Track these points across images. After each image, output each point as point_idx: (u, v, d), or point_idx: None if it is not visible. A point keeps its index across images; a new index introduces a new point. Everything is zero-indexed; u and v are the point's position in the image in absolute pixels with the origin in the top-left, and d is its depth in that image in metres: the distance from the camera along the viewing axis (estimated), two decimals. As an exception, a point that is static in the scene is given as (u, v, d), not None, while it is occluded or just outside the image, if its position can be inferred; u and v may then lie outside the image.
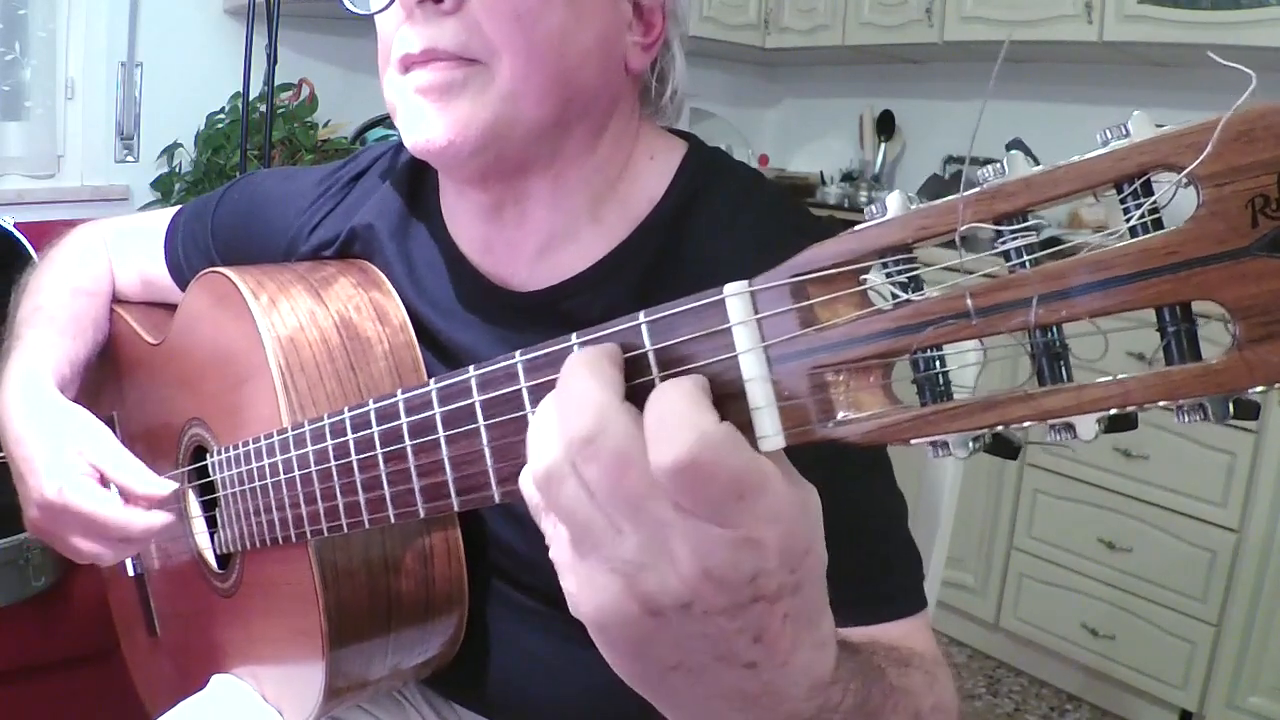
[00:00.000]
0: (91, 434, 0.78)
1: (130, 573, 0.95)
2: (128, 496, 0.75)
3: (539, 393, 0.41)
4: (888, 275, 0.32)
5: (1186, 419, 0.28)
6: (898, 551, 0.66)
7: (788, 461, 0.36)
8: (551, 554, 0.38)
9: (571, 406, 0.35)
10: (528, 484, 0.38)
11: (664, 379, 0.36)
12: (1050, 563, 2.15)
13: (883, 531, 0.66)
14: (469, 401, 0.44)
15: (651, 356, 0.37)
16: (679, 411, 0.33)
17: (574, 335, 0.39)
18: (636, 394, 0.36)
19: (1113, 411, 0.28)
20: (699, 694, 0.38)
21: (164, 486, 0.76)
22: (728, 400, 0.35)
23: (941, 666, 0.59)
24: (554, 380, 0.37)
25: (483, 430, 0.44)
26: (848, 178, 3.11)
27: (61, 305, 0.89)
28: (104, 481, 0.76)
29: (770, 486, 0.34)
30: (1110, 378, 0.28)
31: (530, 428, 0.37)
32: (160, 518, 0.75)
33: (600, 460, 0.34)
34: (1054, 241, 0.30)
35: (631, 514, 0.34)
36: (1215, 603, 1.91)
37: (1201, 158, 0.27)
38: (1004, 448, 0.31)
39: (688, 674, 0.37)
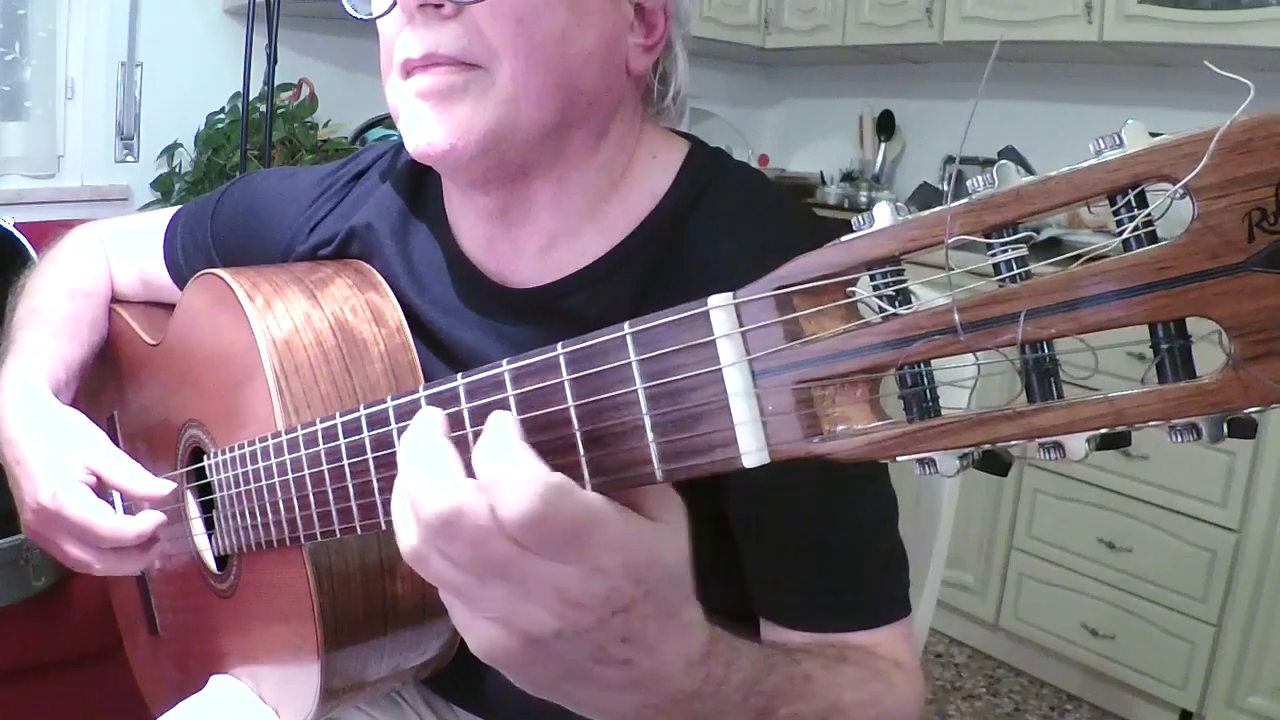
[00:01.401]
0: (87, 437, 0.77)
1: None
2: (127, 498, 0.75)
3: (526, 402, 0.41)
4: (875, 287, 0.31)
5: (1180, 439, 0.27)
6: (881, 562, 0.66)
7: (666, 488, 0.40)
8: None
9: (422, 493, 0.39)
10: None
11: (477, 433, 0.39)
12: (1050, 563, 2.15)
13: (868, 542, 0.66)
14: (456, 409, 0.44)
15: (641, 396, 0.38)
16: (509, 467, 0.37)
17: (559, 345, 0.39)
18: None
19: (1103, 430, 0.28)
20: (591, 691, 0.43)
21: (162, 486, 0.75)
22: (712, 415, 0.35)
23: (901, 671, 0.60)
24: (541, 389, 0.38)
25: (470, 438, 0.44)
26: (848, 178, 3.10)
27: (57, 307, 0.88)
28: (100, 486, 0.75)
29: (604, 521, 0.38)
30: (1102, 396, 0.28)
31: (392, 507, 0.41)
32: (153, 521, 0.73)
33: (461, 539, 0.38)
34: (1054, 242, 0.30)
35: (495, 570, 0.39)
36: (1215, 603, 1.90)
37: (1198, 169, 0.26)
38: (994, 464, 0.30)
39: (576, 678, 0.42)
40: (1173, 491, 1.94)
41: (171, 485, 0.76)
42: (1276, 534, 1.82)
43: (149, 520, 0.73)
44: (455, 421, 0.44)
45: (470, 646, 0.42)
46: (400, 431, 0.49)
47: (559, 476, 0.37)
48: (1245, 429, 0.27)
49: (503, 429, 0.38)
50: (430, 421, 0.41)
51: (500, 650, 0.41)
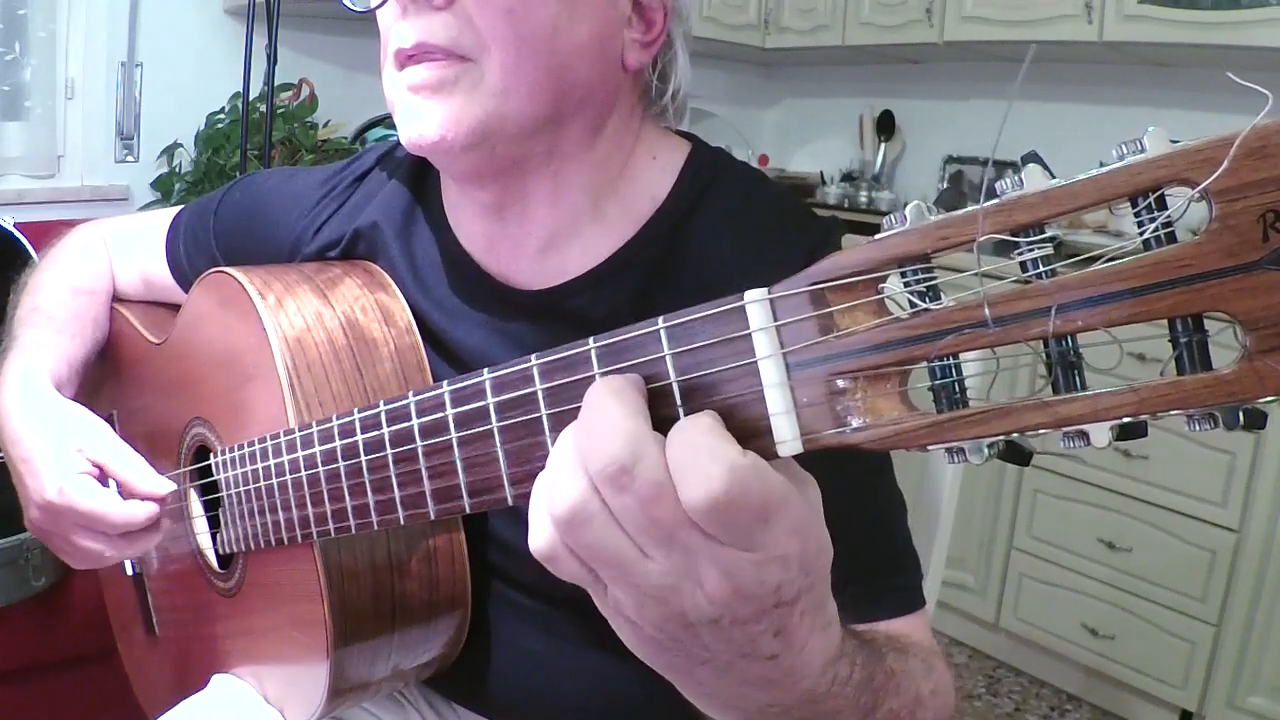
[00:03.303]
0: (91, 430, 0.77)
1: (129, 572, 0.94)
2: (129, 492, 0.75)
3: (555, 396, 0.41)
4: (906, 284, 0.32)
5: (1198, 427, 0.28)
6: (899, 552, 0.67)
7: (793, 461, 0.37)
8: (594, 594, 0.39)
9: (603, 435, 0.35)
10: (540, 536, 0.38)
11: (687, 412, 0.37)
12: (1050, 563, 2.15)
13: (886, 532, 0.67)
14: (483, 404, 0.45)
15: (676, 389, 0.37)
16: (705, 445, 0.34)
17: (590, 340, 0.40)
18: (659, 427, 0.36)
19: (1126, 420, 0.29)
20: (725, 683, 0.40)
21: (164, 485, 0.76)
22: (747, 406, 0.35)
23: (938, 656, 0.61)
24: (571, 383, 0.38)
25: (496, 432, 0.44)
26: (848, 178, 3.11)
27: (60, 304, 0.88)
28: (104, 479, 0.75)
29: (791, 503, 0.35)
30: (1125, 386, 0.29)
31: (551, 463, 0.37)
32: (165, 489, 0.75)
33: (634, 490, 0.34)
34: (1057, 242, 0.31)
35: (662, 542, 0.35)
36: (1215, 603, 1.91)
37: (1217, 174, 0.27)
38: (1017, 454, 0.31)
39: (716, 668, 0.39)
40: (1173, 491, 1.95)
41: (173, 486, 0.77)
42: (1276, 534, 1.83)
43: (157, 509, 0.74)
44: (481, 416, 0.44)
45: (605, 614, 0.39)
46: (421, 426, 0.50)
47: (752, 456, 0.34)
48: (1257, 419, 0.29)
49: (703, 414, 0.35)
50: (631, 376, 0.37)
51: (645, 623, 0.38)
